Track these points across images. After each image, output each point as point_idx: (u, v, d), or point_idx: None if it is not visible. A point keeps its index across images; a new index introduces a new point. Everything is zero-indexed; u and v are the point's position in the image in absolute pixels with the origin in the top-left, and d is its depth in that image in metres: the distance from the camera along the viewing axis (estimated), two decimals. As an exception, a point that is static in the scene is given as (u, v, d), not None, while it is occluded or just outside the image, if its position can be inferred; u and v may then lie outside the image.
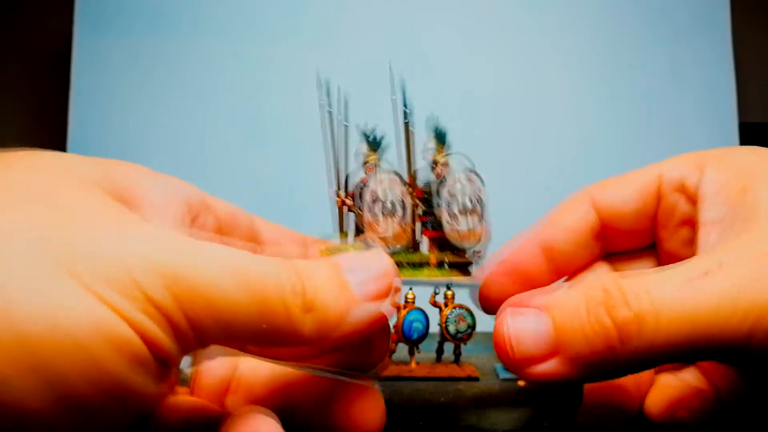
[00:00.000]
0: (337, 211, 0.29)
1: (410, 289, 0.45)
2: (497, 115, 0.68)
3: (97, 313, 0.16)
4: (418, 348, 0.44)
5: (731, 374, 0.27)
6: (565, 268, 0.31)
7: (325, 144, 0.29)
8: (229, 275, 0.19)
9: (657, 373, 0.29)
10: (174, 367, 0.19)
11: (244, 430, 0.21)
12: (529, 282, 0.30)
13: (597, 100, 0.68)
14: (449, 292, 0.45)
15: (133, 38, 0.69)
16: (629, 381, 0.28)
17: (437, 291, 0.45)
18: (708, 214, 0.27)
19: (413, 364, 0.44)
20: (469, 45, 0.69)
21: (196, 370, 0.27)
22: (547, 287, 0.25)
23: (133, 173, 0.24)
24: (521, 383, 0.41)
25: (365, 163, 0.30)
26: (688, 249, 0.28)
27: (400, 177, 0.29)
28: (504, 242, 0.57)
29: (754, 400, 0.25)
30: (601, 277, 0.23)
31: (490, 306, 0.30)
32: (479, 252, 0.29)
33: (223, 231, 0.28)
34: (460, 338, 0.44)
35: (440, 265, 0.29)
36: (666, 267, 0.23)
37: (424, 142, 0.30)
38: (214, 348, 0.24)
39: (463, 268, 0.29)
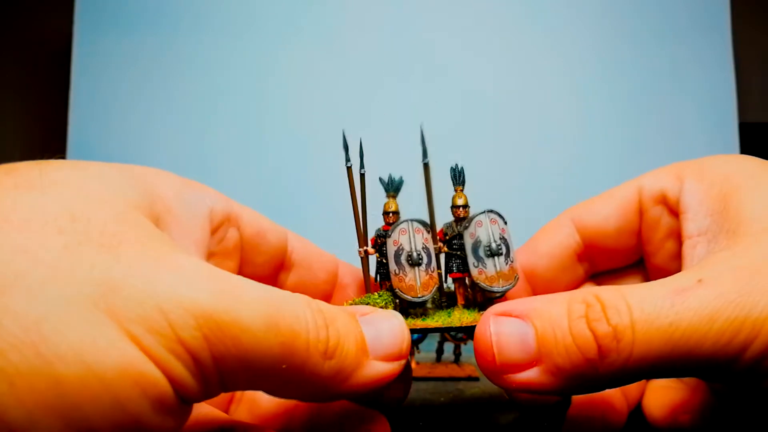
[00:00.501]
0: (362, 263, 0.29)
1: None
2: (497, 115, 0.68)
3: (127, 354, 0.16)
4: (418, 348, 0.44)
5: None
6: (549, 292, 0.32)
7: (352, 201, 0.28)
8: (260, 317, 0.19)
9: None
10: (192, 407, 0.19)
11: None
12: None
13: (597, 100, 0.68)
14: (449, 292, 0.45)
15: (133, 38, 0.69)
16: (616, 393, 0.28)
17: (437, 291, 0.45)
18: (692, 226, 0.27)
19: (413, 364, 0.44)
20: (469, 45, 0.69)
21: None
22: (530, 297, 0.25)
23: (161, 185, 0.23)
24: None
25: (386, 213, 0.30)
26: (676, 262, 0.28)
27: (422, 224, 0.29)
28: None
29: (752, 404, 0.25)
30: (584, 289, 0.23)
31: None
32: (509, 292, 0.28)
33: (247, 247, 0.28)
34: (460, 338, 0.44)
35: (467, 305, 0.29)
36: (648, 283, 0.23)
37: (452, 197, 0.30)
38: None
39: (490, 302, 0.28)
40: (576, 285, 0.32)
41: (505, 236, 0.29)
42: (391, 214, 0.29)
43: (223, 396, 0.28)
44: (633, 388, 0.29)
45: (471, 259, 0.28)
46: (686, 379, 0.29)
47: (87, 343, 0.16)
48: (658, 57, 0.68)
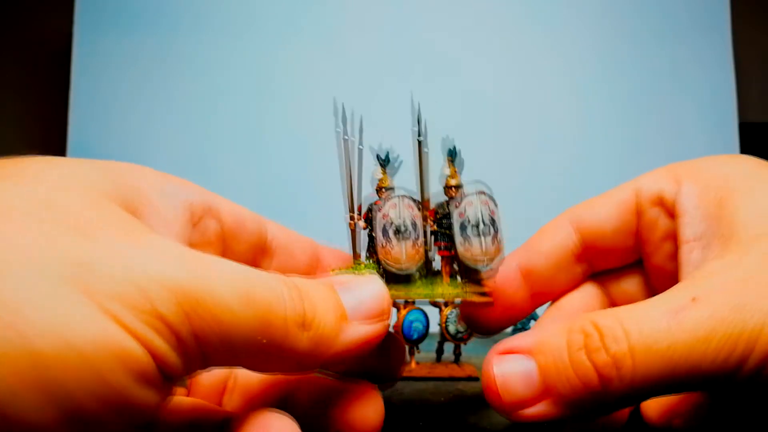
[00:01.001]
0: (350, 234, 0.30)
1: (410, 289, 0.45)
2: (496, 115, 0.68)
3: (106, 329, 0.17)
4: (418, 348, 0.44)
5: None
6: (547, 292, 0.31)
7: (340, 170, 0.29)
8: (236, 292, 0.19)
9: None
10: (176, 383, 0.20)
11: (259, 430, 0.22)
12: (511, 306, 0.30)
13: (597, 100, 0.68)
14: (449, 292, 0.45)
15: (133, 38, 0.69)
16: None
17: (437, 291, 0.45)
18: (688, 230, 0.27)
19: (413, 364, 0.44)
20: (469, 45, 0.69)
21: None
22: (532, 330, 0.25)
23: (138, 178, 0.24)
24: (521, 383, 0.41)
25: (379, 187, 0.30)
26: (674, 263, 0.28)
27: (413, 199, 0.29)
28: (507, 237, 0.57)
29: (747, 408, 0.25)
30: (581, 317, 0.24)
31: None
32: (493, 271, 0.29)
33: (228, 237, 0.28)
34: (460, 338, 0.44)
35: (452, 277, 0.29)
36: (644, 302, 0.23)
37: (441, 167, 0.30)
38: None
39: (476, 283, 0.29)
40: (574, 285, 0.32)
41: (494, 217, 0.29)
42: (384, 190, 0.30)
43: (216, 387, 0.28)
44: None
45: (458, 237, 0.29)
46: None
47: (65, 320, 0.16)
48: (658, 57, 0.68)
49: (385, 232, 0.28)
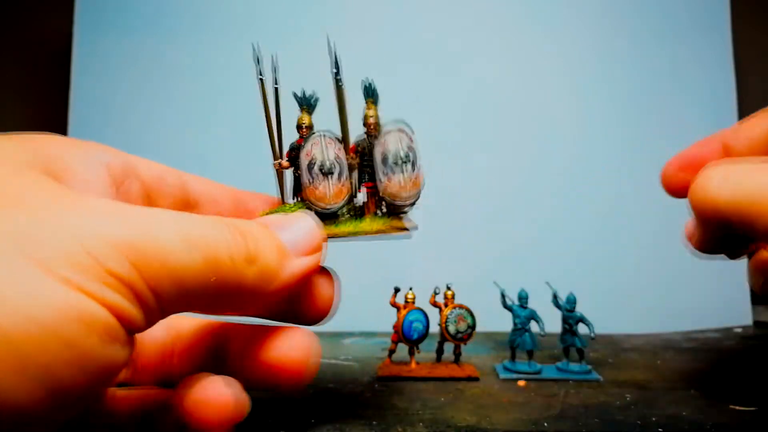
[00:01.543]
0: (276, 176, 0.31)
1: (410, 288, 0.45)
2: (496, 114, 0.68)
3: (65, 297, 0.17)
4: (418, 348, 0.44)
5: None
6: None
7: (265, 114, 0.31)
8: (181, 238, 0.20)
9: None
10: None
11: (207, 393, 0.23)
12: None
13: (596, 99, 0.68)
14: (449, 292, 0.45)
15: (133, 38, 0.69)
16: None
17: (437, 291, 0.45)
18: None
19: (413, 364, 0.44)
20: (469, 45, 0.69)
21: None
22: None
23: (56, 147, 0.24)
24: (521, 383, 0.41)
25: (299, 126, 0.31)
26: None
27: (335, 136, 0.30)
28: (507, 236, 0.56)
29: None
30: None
31: (669, 188, 0.37)
32: (414, 200, 0.30)
33: (151, 195, 0.29)
34: (460, 338, 0.44)
35: (378, 207, 0.30)
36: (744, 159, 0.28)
37: (362, 108, 0.31)
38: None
39: (400, 213, 0.30)
40: None
41: (412, 146, 0.30)
42: (304, 128, 0.31)
43: (160, 354, 0.30)
44: None
45: (380, 169, 0.30)
46: None
47: (22, 293, 0.16)
48: (657, 57, 0.68)
49: (310, 170, 0.29)
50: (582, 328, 0.44)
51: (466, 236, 0.65)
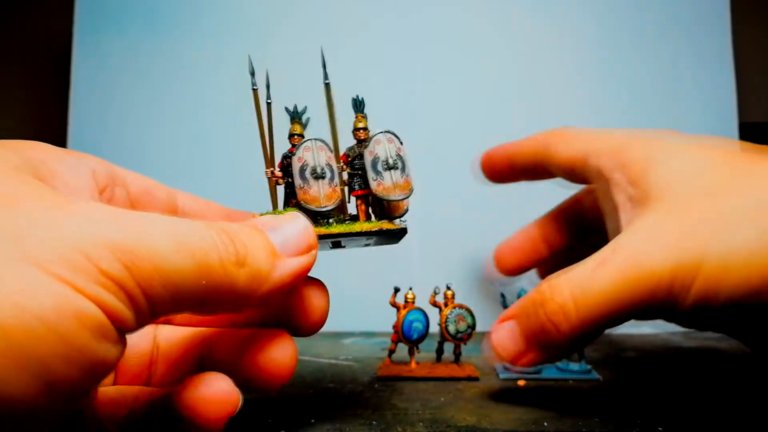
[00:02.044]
0: (269, 184, 0.32)
1: (410, 289, 0.45)
2: (496, 113, 0.68)
3: (60, 293, 0.17)
4: (418, 348, 0.44)
5: None
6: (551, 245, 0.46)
7: (258, 124, 0.32)
8: (172, 242, 0.20)
9: None
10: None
11: (206, 389, 0.24)
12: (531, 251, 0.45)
13: (596, 99, 0.68)
14: (449, 292, 0.45)
15: (133, 38, 0.69)
16: None
17: (437, 291, 0.45)
18: (619, 197, 0.32)
19: (413, 364, 0.44)
20: (468, 42, 0.69)
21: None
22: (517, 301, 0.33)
23: (42, 152, 0.25)
24: (521, 383, 0.41)
25: (291, 135, 0.33)
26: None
27: (325, 143, 0.31)
28: (507, 236, 0.57)
29: None
30: (542, 281, 0.30)
31: (504, 270, 0.44)
32: (403, 203, 0.32)
33: (137, 205, 0.29)
34: (460, 338, 0.44)
35: (368, 217, 0.32)
36: (584, 260, 0.29)
37: (353, 122, 0.33)
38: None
39: (390, 218, 0.32)
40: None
41: (401, 154, 0.32)
42: (296, 136, 0.32)
43: (142, 362, 0.30)
44: None
45: (370, 174, 0.31)
46: None
47: (18, 289, 0.17)
48: (658, 56, 0.68)
49: (302, 174, 0.30)
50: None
51: (466, 236, 0.65)
